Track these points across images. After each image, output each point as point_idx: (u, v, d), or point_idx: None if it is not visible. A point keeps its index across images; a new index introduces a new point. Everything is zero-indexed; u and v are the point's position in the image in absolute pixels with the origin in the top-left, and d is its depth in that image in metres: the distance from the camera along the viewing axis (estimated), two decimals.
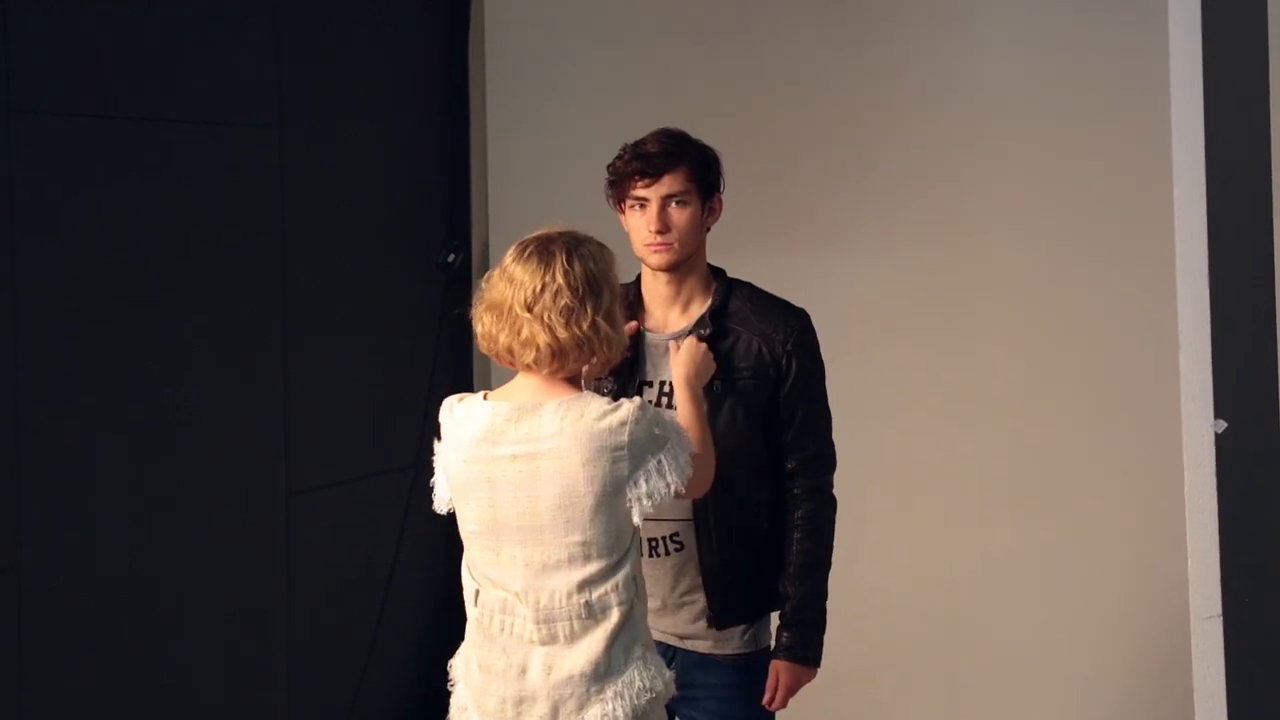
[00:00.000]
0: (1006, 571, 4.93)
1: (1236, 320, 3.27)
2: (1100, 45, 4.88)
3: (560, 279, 3.12)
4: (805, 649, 3.37)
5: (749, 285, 3.49)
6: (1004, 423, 4.95)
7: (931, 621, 4.95)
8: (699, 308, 3.45)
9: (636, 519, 3.14)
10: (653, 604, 3.40)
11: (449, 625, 5.72)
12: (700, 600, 3.45)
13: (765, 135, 5.26)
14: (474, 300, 3.24)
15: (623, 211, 3.51)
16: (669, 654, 3.45)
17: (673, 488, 3.13)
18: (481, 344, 3.24)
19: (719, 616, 3.43)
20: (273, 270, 4.99)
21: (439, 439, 3.30)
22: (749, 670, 3.45)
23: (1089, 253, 4.85)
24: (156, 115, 4.61)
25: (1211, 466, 3.30)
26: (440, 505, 3.33)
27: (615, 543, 3.14)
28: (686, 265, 3.44)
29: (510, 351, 3.17)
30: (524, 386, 3.20)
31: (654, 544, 3.44)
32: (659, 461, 3.12)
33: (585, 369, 3.23)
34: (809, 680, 3.39)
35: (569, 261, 3.14)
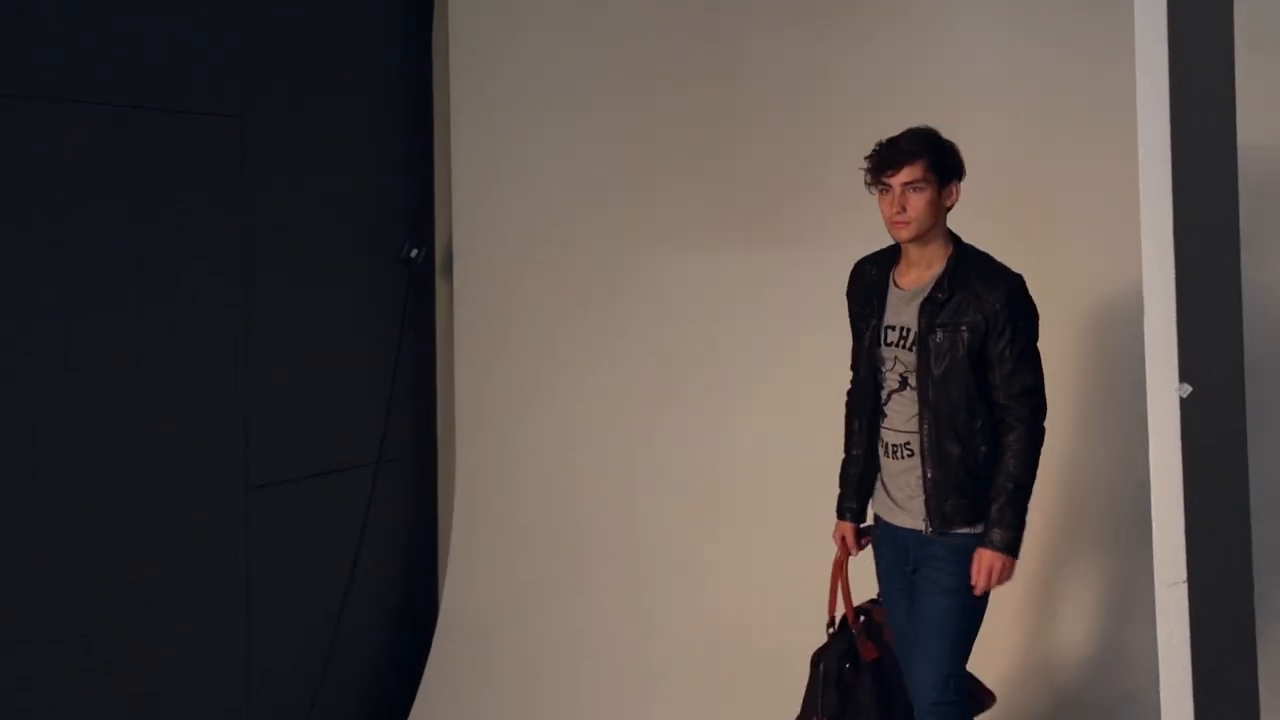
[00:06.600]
0: None
1: (1202, 282, 3.24)
2: (1065, 38, 4.88)
3: None
4: (1009, 542, 3.93)
5: (972, 249, 4.11)
6: None
7: None
8: (937, 268, 4.09)
9: None
10: (898, 495, 4.04)
11: (410, 618, 5.66)
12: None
13: (732, 130, 5.24)
14: None
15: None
16: (912, 538, 4.02)
17: None
18: None
19: (934, 524, 3.98)
20: (234, 261, 4.95)
21: None
22: (969, 553, 3.99)
23: (1053, 226, 4.86)
24: (119, 101, 4.58)
25: (1176, 431, 3.25)
26: None
27: None
28: (927, 235, 4.06)
29: None
30: None
31: (894, 449, 4.06)
32: None
33: None
34: (1008, 570, 3.92)
35: None
